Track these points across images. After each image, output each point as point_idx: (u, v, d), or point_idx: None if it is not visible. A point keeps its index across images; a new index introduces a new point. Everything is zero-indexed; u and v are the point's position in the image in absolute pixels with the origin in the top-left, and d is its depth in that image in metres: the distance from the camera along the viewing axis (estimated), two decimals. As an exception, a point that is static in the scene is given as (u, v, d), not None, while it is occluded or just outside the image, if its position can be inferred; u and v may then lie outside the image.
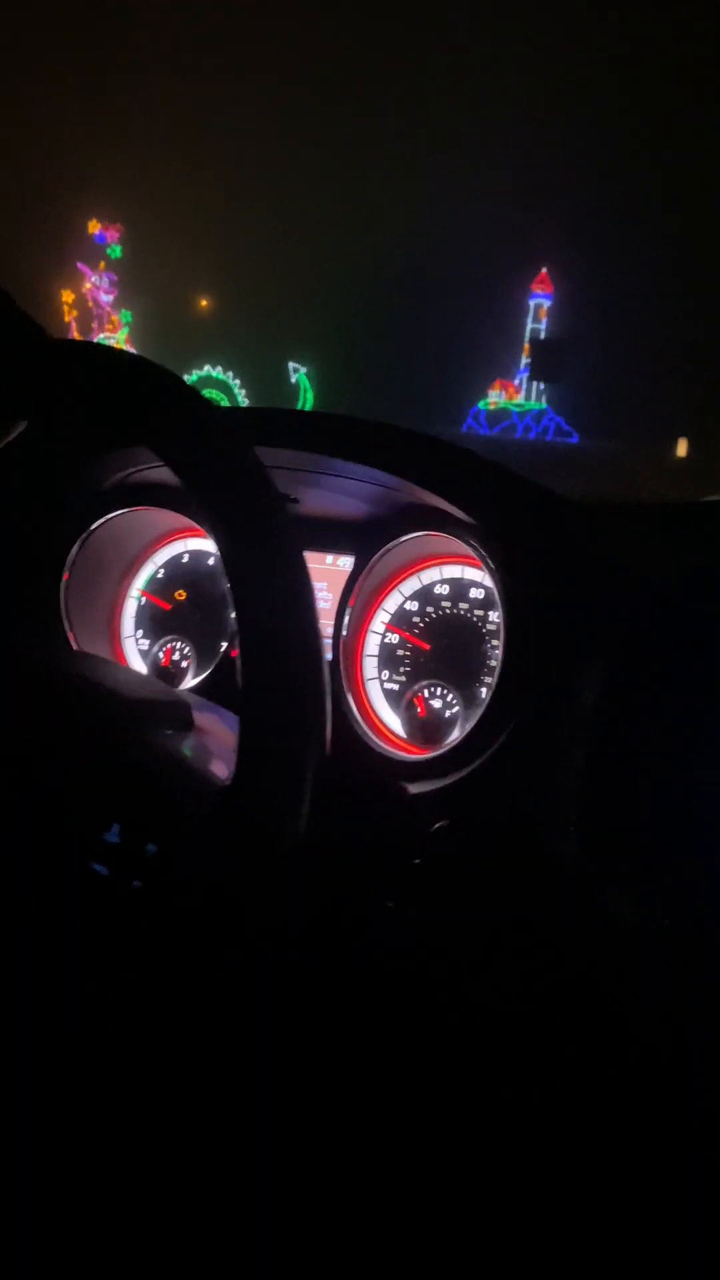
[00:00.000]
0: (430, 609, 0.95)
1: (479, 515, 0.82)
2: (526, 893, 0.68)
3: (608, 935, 0.69)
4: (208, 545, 1.07)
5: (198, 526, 1.03)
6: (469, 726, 0.81)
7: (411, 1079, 0.62)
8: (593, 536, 0.85)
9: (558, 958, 0.65)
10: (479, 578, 0.92)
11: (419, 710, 0.91)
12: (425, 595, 0.95)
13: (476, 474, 0.85)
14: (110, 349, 0.56)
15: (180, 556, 1.10)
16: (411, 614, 0.96)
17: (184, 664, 1.05)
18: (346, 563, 0.97)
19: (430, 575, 0.95)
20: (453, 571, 0.94)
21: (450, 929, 0.67)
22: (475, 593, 0.93)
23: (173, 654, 1.06)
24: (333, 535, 0.98)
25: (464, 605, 0.93)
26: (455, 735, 0.88)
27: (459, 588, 0.94)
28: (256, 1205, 0.60)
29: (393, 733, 0.93)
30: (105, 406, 0.58)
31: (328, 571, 0.98)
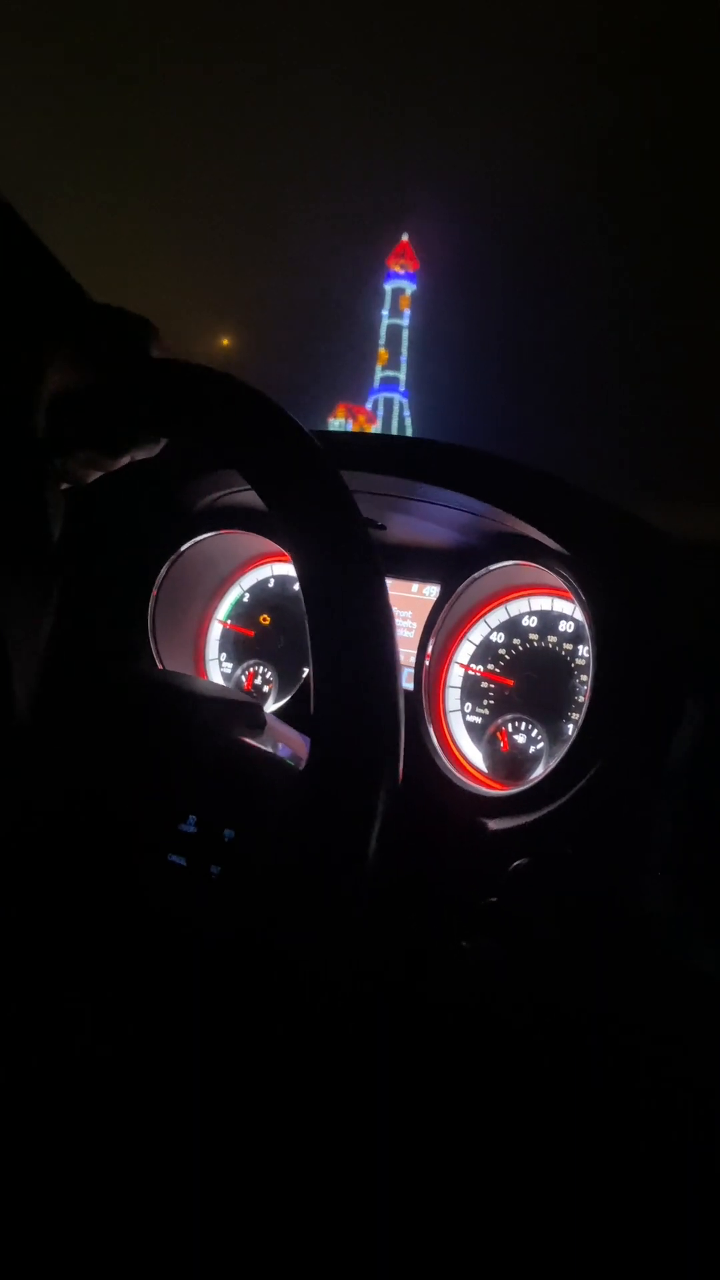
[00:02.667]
0: (517, 641, 0.92)
1: (571, 544, 0.80)
2: (607, 939, 0.64)
3: (691, 990, 0.64)
4: (294, 571, 1.07)
5: (285, 552, 1.02)
6: (553, 763, 0.78)
7: (471, 1118, 0.59)
8: (692, 573, 0.81)
9: (636, 1008, 0.61)
10: (569, 610, 0.89)
11: (502, 745, 0.88)
12: (512, 627, 0.93)
13: (569, 502, 0.83)
14: (193, 365, 0.56)
15: (266, 581, 1.10)
16: (497, 646, 0.93)
17: (265, 688, 1.04)
18: (432, 591, 0.95)
19: (518, 606, 0.93)
20: (542, 603, 0.91)
21: (524, 971, 0.63)
22: (565, 626, 0.90)
23: (255, 678, 1.06)
24: (419, 563, 0.97)
25: (552, 639, 0.90)
26: (539, 772, 0.84)
27: (548, 620, 0.91)
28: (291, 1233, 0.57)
29: (474, 767, 0.90)
30: (192, 424, 0.58)
31: (413, 600, 0.97)
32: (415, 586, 0.97)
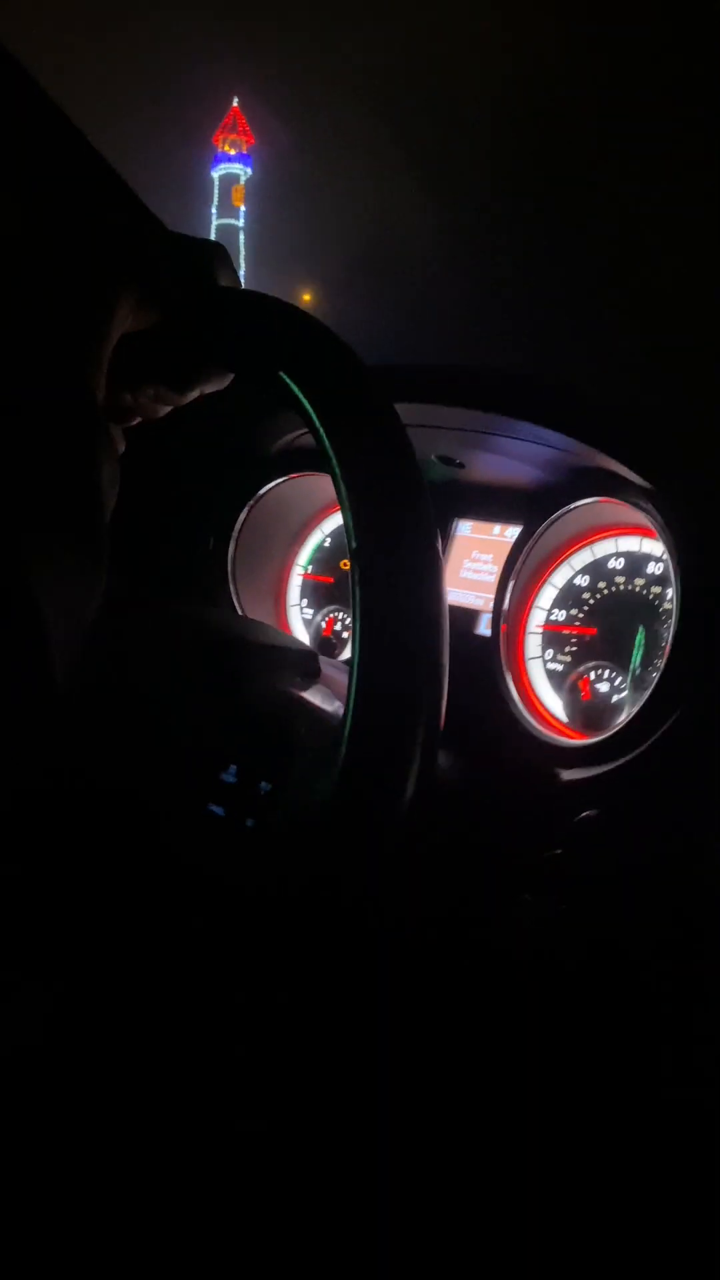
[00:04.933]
0: (603, 584, 0.87)
1: (656, 478, 0.74)
2: (675, 895, 0.60)
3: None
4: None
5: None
6: (634, 711, 0.73)
7: (531, 1079, 0.57)
8: None
9: (696, 975, 0.57)
10: (658, 551, 0.83)
11: (583, 693, 0.84)
12: (597, 569, 0.88)
13: (656, 435, 0.77)
14: (266, 297, 0.53)
15: (347, 526, 1.08)
16: (581, 590, 0.88)
17: (344, 634, 1.03)
18: (513, 533, 0.90)
19: (604, 548, 0.87)
20: (629, 544, 0.86)
21: (588, 927, 0.60)
22: (653, 568, 0.84)
23: (334, 624, 1.04)
24: (500, 503, 0.93)
25: (639, 581, 0.85)
26: (621, 721, 0.80)
27: (635, 561, 0.85)
28: (366, 1199, 0.57)
29: (554, 716, 0.87)
30: (261, 358, 0.55)
31: (493, 543, 0.93)
32: (496, 528, 0.93)
